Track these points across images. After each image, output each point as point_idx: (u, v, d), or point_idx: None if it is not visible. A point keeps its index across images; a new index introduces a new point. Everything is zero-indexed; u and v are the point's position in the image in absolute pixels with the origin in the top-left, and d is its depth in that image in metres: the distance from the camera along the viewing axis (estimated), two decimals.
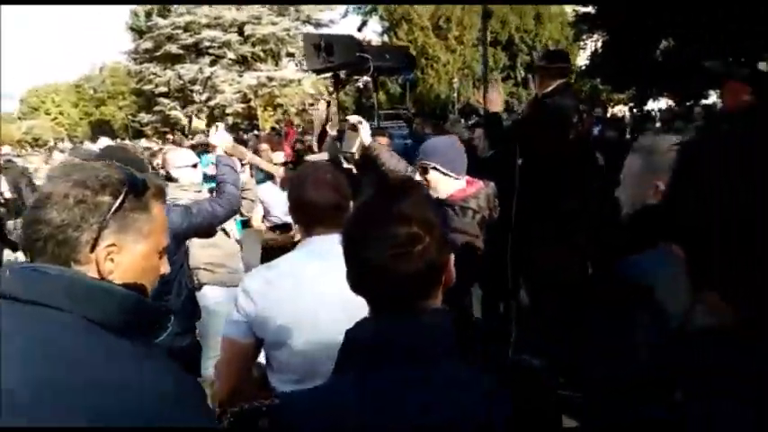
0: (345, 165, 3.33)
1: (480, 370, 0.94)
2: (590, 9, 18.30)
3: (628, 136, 9.58)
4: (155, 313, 1.02)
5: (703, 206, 0.64)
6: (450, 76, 24.86)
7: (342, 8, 32.26)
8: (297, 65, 32.27)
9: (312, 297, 1.59)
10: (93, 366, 0.84)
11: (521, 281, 3.60)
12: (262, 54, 29.76)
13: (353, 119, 2.93)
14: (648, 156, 1.74)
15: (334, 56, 5.50)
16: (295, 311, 1.58)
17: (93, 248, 0.95)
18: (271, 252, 4.38)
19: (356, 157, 2.99)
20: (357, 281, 1.00)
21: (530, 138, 3.39)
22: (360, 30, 30.79)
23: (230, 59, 28.65)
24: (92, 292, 0.91)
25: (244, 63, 29.34)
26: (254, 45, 29.05)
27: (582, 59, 26.73)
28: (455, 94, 24.80)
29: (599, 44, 21.37)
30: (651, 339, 1.38)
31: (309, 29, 31.63)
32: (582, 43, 27.77)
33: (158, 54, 28.29)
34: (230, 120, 31.01)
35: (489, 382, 0.94)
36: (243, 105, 29.97)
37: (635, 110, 19.43)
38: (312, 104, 36.13)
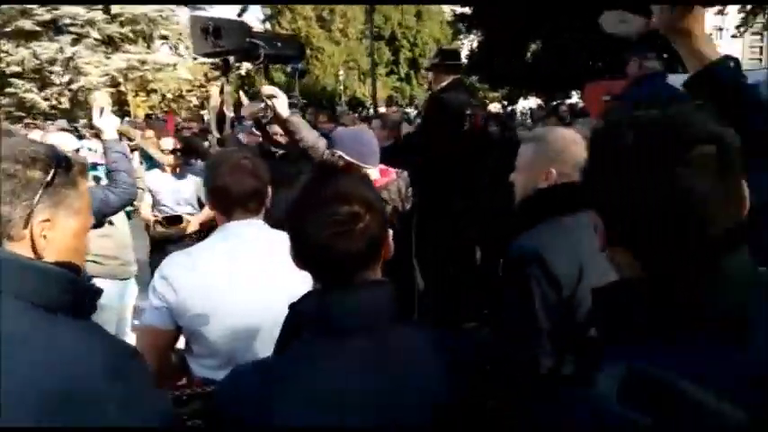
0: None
1: (422, 335, 1.02)
2: (467, 10, 19.28)
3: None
4: (88, 292, 1.00)
5: (617, 180, 0.74)
6: (336, 68, 24.90)
7: None
8: (171, 48, 30.41)
9: (230, 284, 1.58)
10: (33, 348, 0.82)
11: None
12: (131, 35, 27.62)
13: (267, 90, 2.84)
14: (541, 144, 1.91)
15: (223, 40, 5.33)
16: (215, 298, 1.56)
17: (26, 224, 0.93)
18: (160, 244, 4.17)
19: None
20: (301, 257, 1.04)
21: (429, 133, 3.56)
22: (240, 15, 29.72)
23: (95, 39, 26.25)
24: (25, 271, 0.89)
25: (111, 44, 27.03)
26: (122, 25, 26.87)
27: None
28: (341, 87, 24.92)
29: (475, 44, 22.57)
30: (550, 304, 1.55)
31: (184, 11, 29.96)
32: (460, 42, 29.30)
33: (9, 30, 25.18)
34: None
35: (432, 347, 1.02)
36: (111, 90, 27.65)
37: (507, 108, 20.84)
38: (190, 90, 34.38)
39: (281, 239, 1.68)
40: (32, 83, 25.79)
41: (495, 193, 3.45)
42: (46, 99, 25.68)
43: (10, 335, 0.82)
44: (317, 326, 1.00)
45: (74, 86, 26.47)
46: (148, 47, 28.35)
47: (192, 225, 4.24)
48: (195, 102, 35.73)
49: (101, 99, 2.64)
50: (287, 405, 0.93)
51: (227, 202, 1.66)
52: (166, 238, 4.19)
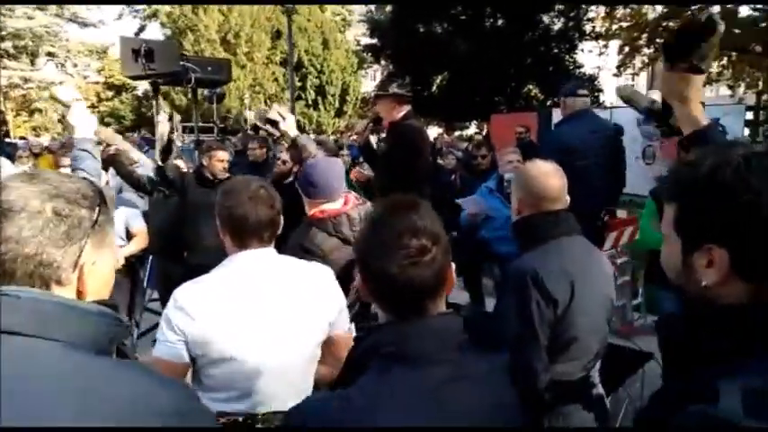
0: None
1: (491, 361, 1.10)
2: (375, 41, 19.86)
3: None
4: (124, 328, 0.94)
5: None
6: (241, 92, 24.46)
7: (116, 9, 29.40)
8: (58, 66, 28.44)
9: (247, 315, 1.57)
10: (86, 393, 0.76)
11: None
12: (12, 50, 25.47)
13: (275, 114, 2.97)
14: (516, 175, 2.11)
15: (155, 63, 5.18)
16: (232, 329, 1.55)
17: (75, 267, 0.88)
18: None
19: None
20: (373, 290, 1.09)
21: (392, 162, 3.62)
22: (137, 35, 28.39)
23: None
24: (71, 316, 0.83)
25: None
26: (2, 39, 24.73)
27: (366, 87, 28.75)
28: (246, 110, 24.46)
29: (378, 74, 23.22)
30: (547, 316, 1.72)
31: (74, 27, 28.25)
32: (363, 72, 30.02)
33: None
34: None
35: (502, 372, 1.11)
36: None
37: None
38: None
39: (295, 269, 1.73)
40: None
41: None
42: None
43: (53, 382, 0.76)
44: (394, 357, 1.03)
45: None
46: (32, 63, 26.28)
47: (120, 258, 3.84)
48: None
49: (65, 93, 2.19)
50: None
51: (243, 231, 1.64)
52: None
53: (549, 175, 1.90)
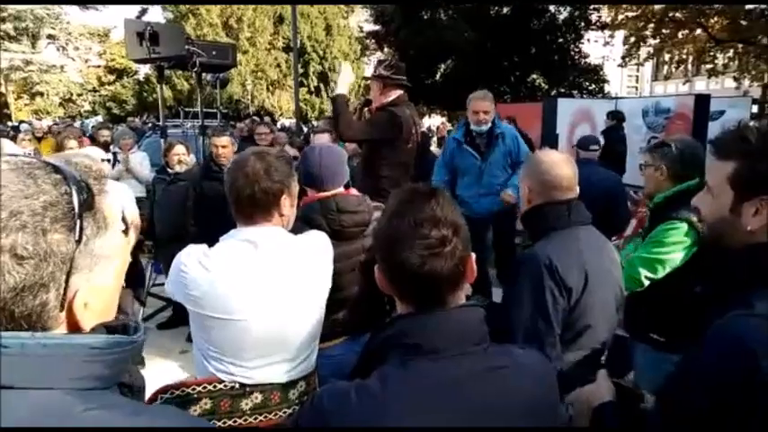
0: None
1: (512, 355, 1.09)
2: (378, 27, 19.75)
3: None
4: (138, 346, 0.76)
5: None
6: (243, 77, 24.33)
7: None
8: (59, 49, 28.29)
9: (250, 278, 1.60)
10: None
11: None
12: (13, 32, 25.29)
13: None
14: (525, 163, 2.10)
15: (159, 46, 5.13)
16: (238, 286, 1.58)
17: (62, 306, 0.68)
18: None
19: None
20: (393, 280, 1.08)
21: (374, 145, 3.63)
22: (139, 17, 28.17)
23: None
24: (72, 357, 0.66)
25: None
26: (3, 21, 24.54)
27: (368, 74, 28.51)
28: (249, 96, 24.41)
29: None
30: (561, 305, 1.72)
31: (75, 10, 28.06)
32: (366, 59, 29.84)
33: None
34: None
35: (534, 362, 1.11)
36: None
37: None
38: (81, 95, 32.02)
39: (299, 245, 1.73)
40: None
41: None
42: None
43: None
44: (414, 348, 1.03)
45: None
46: (33, 46, 26.11)
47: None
48: (87, 107, 33.43)
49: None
50: (391, 425, 0.96)
51: (241, 205, 1.65)
52: None
53: (561, 165, 1.89)
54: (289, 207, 1.72)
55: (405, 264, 1.02)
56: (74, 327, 0.70)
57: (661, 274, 2.32)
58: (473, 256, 1.10)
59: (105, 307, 0.75)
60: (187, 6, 25.59)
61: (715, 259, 1.38)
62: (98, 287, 0.72)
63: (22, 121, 13.56)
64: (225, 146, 4.10)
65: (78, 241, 0.67)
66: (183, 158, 4.48)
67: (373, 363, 1.08)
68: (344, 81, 3.64)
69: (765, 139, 1.11)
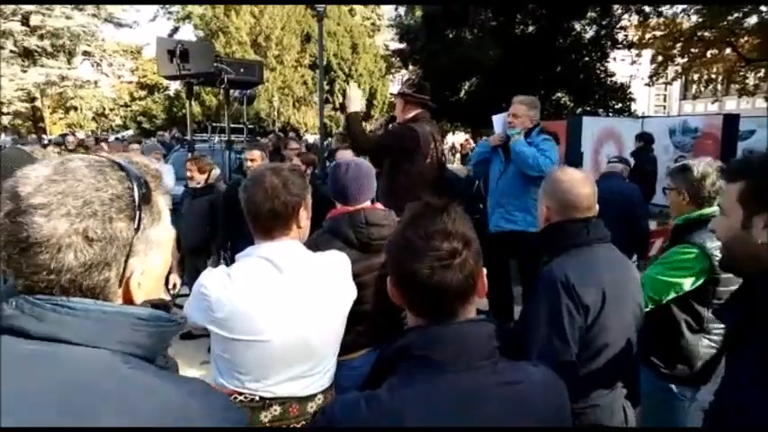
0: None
1: (524, 371, 1.09)
2: (403, 46, 19.94)
3: None
4: (176, 325, 0.88)
5: None
6: (270, 94, 24.76)
7: (151, 10, 30.09)
8: (94, 65, 29.16)
9: (270, 296, 1.61)
10: (124, 409, 0.72)
11: None
12: (50, 49, 26.17)
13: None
14: (545, 181, 2.10)
15: (189, 63, 5.29)
16: (259, 304, 1.60)
17: (120, 284, 0.80)
18: None
19: None
20: (403, 291, 1.10)
21: (393, 158, 3.69)
22: (171, 36, 28.97)
23: (12, 51, 24.63)
24: (123, 324, 0.78)
25: (29, 57, 25.45)
26: (42, 38, 25.43)
27: (393, 91, 28.79)
28: (275, 112, 24.79)
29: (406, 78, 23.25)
30: (578, 323, 1.71)
31: (110, 27, 28.98)
32: (391, 76, 30.14)
33: None
34: (6, 120, 26.69)
35: (546, 380, 1.11)
36: (26, 105, 25.98)
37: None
38: (113, 109, 32.98)
39: (319, 261, 1.76)
40: None
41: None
42: None
43: (110, 392, 0.71)
44: (424, 361, 1.04)
45: None
46: (69, 62, 26.98)
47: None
48: (118, 121, 34.38)
49: None
50: None
51: (259, 221, 1.68)
52: None
53: (581, 184, 1.88)
54: (305, 219, 1.75)
55: (415, 275, 1.03)
56: (127, 301, 0.83)
57: (666, 297, 2.28)
58: (484, 270, 1.11)
59: (153, 287, 0.87)
60: (217, 24, 26.24)
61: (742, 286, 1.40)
62: (150, 269, 0.84)
63: (64, 135, 14.07)
64: (254, 159, 4.22)
65: (137, 229, 0.80)
66: (195, 176, 4.57)
67: (385, 373, 1.09)
68: (354, 100, 3.81)
69: (765, 160, 1.25)
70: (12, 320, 0.73)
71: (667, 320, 2.32)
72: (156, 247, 0.85)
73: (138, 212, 0.80)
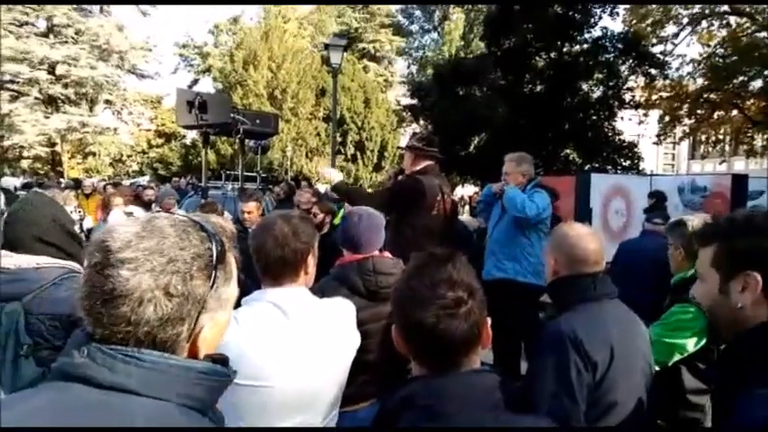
0: None
1: (528, 422, 1.08)
2: (414, 101, 20.46)
3: None
4: (231, 379, 0.90)
5: None
6: (284, 144, 25.28)
7: (172, 63, 31.15)
8: (114, 113, 30.05)
9: (277, 342, 1.61)
10: None
11: None
12: (73, 97, 27.07)
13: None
14: (551, 235, 2.13)
15: (207, 114, 5.48)
16: (255, 362, 1.58)
17: (189, 337, 0.83)
18: None
19: None
20: (408, 340, 1.11)
21: (399, 210, 3.73)
22: (191, 87, 29.97)
23: (36, 98, 25.51)
24: (185, 378, 0.80)
25: (52, 104, 26.32)
26: (66, 86, 26.36)
27: (403, 144, 29.27)
28: (288, 162, 25.24)
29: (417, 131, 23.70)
30: (586, 380, 1.69)
31: (132, 78, 30.10)
32: (402, 130, 30.74)
33: None
34: (26, 164, 27.34)
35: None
36: (46, 150, 26.67)
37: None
38: (130, 156, 33.70)
39: (325, 308, 1.77)
40: None
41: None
42: None
43: None
44: (428, 411, 1.03)
45: (5, 143, 25.40)
46: (91, 110, 27.83)
47: None
48: (135, 167, 35.06)
49: None
50: None
51: (268, 268, 1.70)
52: None
53: (588, 239, 1.90)
54: (312, 266, 1.78)
55: (421, 323, 1.05)
56: (192, 354, 0.85)
57: (671, 360, 2.25)
58: (489, 320, 1.12)
59: (216, 342, 0.90)
60: (236, 78, 27.13)
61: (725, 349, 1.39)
62: (216, 325, 0.87)
63: (75, 179, 14.37)
64: (250, 211, 4.33)
65: (212, 287, 0.84)
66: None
67: (388, 424, 1.09)
68: (331, 173, 4.03)
69: (734, 222, 1.23)
70: (84, 369, 0.76)
71: (672, 382, 2.28)
72: (224, 305, 0.88)
73: (214, 272, 0.84)
